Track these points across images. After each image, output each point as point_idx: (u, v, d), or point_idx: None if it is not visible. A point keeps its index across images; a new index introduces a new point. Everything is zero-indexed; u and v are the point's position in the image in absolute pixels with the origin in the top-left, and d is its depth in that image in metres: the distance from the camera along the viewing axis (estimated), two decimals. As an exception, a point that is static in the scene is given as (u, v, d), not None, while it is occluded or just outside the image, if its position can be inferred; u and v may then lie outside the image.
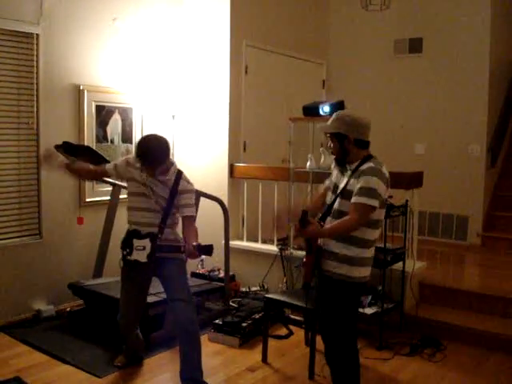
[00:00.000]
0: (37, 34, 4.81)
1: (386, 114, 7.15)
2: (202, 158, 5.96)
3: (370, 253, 3.18)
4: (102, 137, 5.42)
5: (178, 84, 6.02)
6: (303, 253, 4.91)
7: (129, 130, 5.68)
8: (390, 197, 4.66)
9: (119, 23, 5.48)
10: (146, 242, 3.54)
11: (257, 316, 4.63)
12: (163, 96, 5.89)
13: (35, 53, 4.83)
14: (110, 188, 5.16)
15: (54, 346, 4.29)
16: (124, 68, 5.61)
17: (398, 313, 4.66)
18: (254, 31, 6.08)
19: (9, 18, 4.59)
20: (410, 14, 7.03)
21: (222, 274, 5.43)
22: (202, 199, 4.91)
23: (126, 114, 5.64)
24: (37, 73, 4.85)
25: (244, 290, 5.45)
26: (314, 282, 3.30)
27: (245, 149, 6.03)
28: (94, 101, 5.31)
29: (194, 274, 5.59)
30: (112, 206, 5.14)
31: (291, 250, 5.24)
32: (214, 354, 4.27)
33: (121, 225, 5.05)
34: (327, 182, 3.40)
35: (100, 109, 5.38)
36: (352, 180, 3.08)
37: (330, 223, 3.13)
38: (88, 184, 5.28)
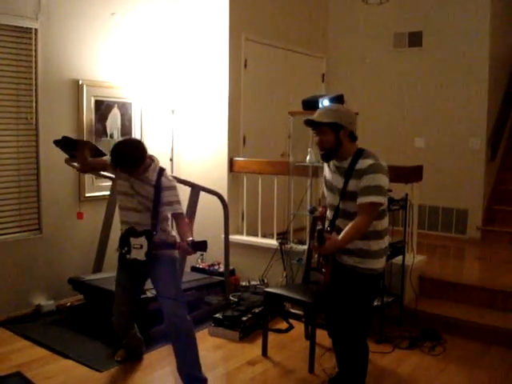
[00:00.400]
0: (35, 29, 4.80)
1: (386, 107, 7.15)
2: (202, 152, 5.96)
3: (384, 243, 3.21)
4: (101, 131, 5.41)
5: (177, 78, 6.01)
6: (303, 247, 4.96)
7: (128, 124, 5.67)
8: (390, 191, 4.67)
9: (118, 18, 5.47)
10: (143, 240, 3.53)
11: (257, 310, 4.64)
12: (162, 90, 5.88)
13: (34, 48, 4.82)
14: (110, 183, 5.16)
15: (54, 340, 4.30)
16: (123, 63, 5.60)
17: (398, 306, 4.66)
18: (253, 25, 6.07)
19: (7, 13, 4.58)
20: (410, 7, 7.01)
21: (221, 269, 5.44)
22: (202, 194, 4.91)
23: (125, 109, 5.63)
24: (35, 68, 4.85)
25: (244, 284, 5.46)
26: (314, 277, 3.32)
27: (244, 143, 6.03)
28: (93, 95, 5.31)
29: (194, 269, 5.60)
30: (112, 200, 5.13)
31: (291, 245, 5.24)
32: (214, 348, 4.29)
33: (121, 219, 5.07)
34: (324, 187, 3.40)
35: (99, 104, 5.37)
36: (352, 181, 3.06)
37: (340, 224, 3.13)
38: (88, 179, 5.29)
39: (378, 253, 3.17)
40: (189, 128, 6.07)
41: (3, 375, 3.66)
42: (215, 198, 5.04)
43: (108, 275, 4.88)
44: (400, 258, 4.65)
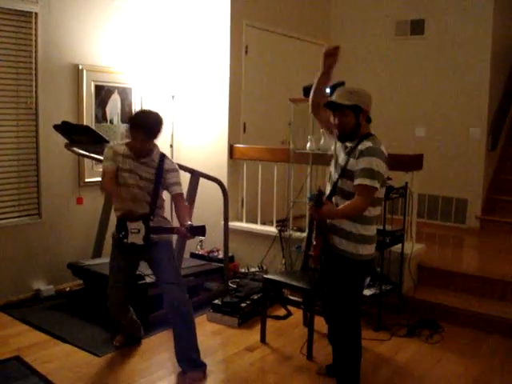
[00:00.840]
0: (35, 13, 4.77)
1: (387, 96, 7.12)
2: (202, 138, 5.95)
3: (373, 230, 3.23)
4: (101, 117, 5.40)
5: (177, 64, 5.99)
6: (302, 234, 4.96)
7: (128, 110, 5.65)
8: (390, 179, 4.67)
9: (119, 2, 5.44)
10: (140, 225, 3.54)
11: (256, 297, 4.65)
12: (163, 76, 5.86)
13: (34, 32, 4.80)
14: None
15: (53, 325, 4.32)
16: (124, 48, 5.57)
17: (396, 294, 4.67)
18: (254, 11, 6.03)
19: (7, -4, 4.56)
20: (412, -6, 6.98)
21: (221, 255, 5.45)
22: (202, 180, 4.90)
23: (125, 94, 5.62)
24: (35, 52, 4.83)
25: (243, 270, 5.47)
26: (312, 263, 3.34)
27: (245, 130, 6.01)
28: (94, 80, 5.29)
29: (194, 255, 5.61)
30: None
31: (290, 232, 5.24)
32: (212, 333, 4.30)
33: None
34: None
35: (99, 88, 5.36)
36: (351, 160, 3.09)
37: (335, 201, 3.16)
38: (87, 164, 5.29)
39: (366, 238, 3.18)
40: (189, 114, 6.05)
41: (2, 359, 3.68)
42: (215, 185, 5.04)
43: (107, 260, 4.85)
44: (399, 246, 4.65)
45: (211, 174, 5.06)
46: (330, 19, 7.46)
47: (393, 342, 4.20)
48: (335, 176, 3.22)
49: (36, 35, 4.80)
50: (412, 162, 4.90)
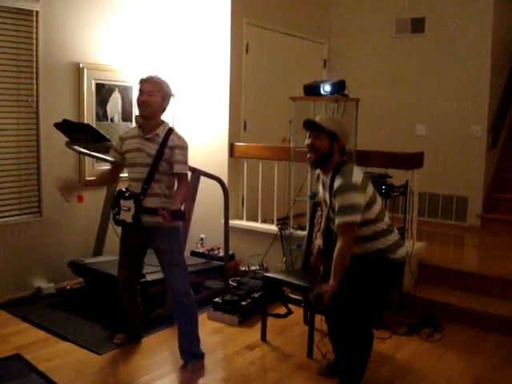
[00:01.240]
0: (36, 11, 4.77)
1: (387, 94, 7.12)
2: (203, 137, 5.94)
3: (394, 237, 3.30)
4: (101, 115, 5.40)
5: (178, 63, 5.99)
6: (303, 232, 4.96)
7: (129, 108, 5.65)
8: (390, 177, 4.68)
9: (120, 1, 5.43)
10: (130, 203, 3.57)
11: (256, 295, 4.65)
12: (163, 75, 5.82)
13: (35, 30, 4.79)
14: (110, 167, 5.15)
15: (54, 323, 4.32)
16: (124, 46, 5.57)
17: (397, 292, 4.67)
18: (254, 10, 6.03)
19: (8, -5, 4.56)
20: (413, -8, 6.97)
21: (221, 253, 5.44)
22: (202, 178, 4.90)
23: (126, 93, 5.62)
24: (36, 50, 4.82)
25: (243, 269, 5.48)
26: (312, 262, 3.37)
27: (245, 128, 6.01)
28: (94, 79, 5.29)
29: (194, 253, 5.61)
30: (112, 185, 5.12)
31: (291, 230, 5.25)
32: (213, 332, 4.30)
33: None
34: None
35: (100, 87, 5.36)
36: (332, 198, 3.17)
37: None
38: (88, 162, 5.29)
39: (391, 247, 3.26)
40: (189, 112, 6.05)
41: (2, 357, 3.68)
42: (215, 183, 5.04)
43: (108, 259, 4.90)
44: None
45: (212, 172, 5.06)
46: (331, 17, 7.45)
47: (393, 340, 4.20)
48: (326, 211, 3.33)
49: (37, 33, 4.80)
50: (412, 160, 4.90)
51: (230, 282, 5.08)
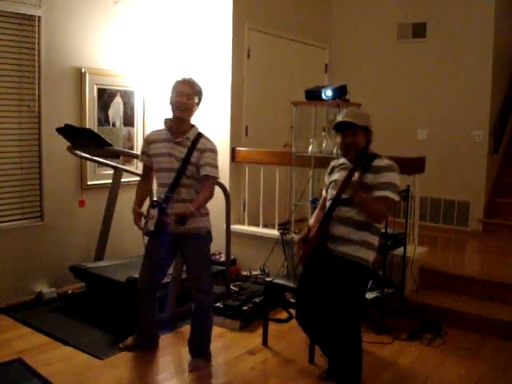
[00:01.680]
0: (38, 17, 4.78)
1: (389, 99, 7.12)
2: (204, 141, 5.94)
3: (377, 240, 3.36)
4: (103, 120, 5.41)
5: (179, 67, 5.99)
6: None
7: (130, 113, 5.67)
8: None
9: (121, 6, 5.45)
10: (155, 212, 3.54)
11: (257, 300, 4.65)
12: (165, 79, 5.87)
13: (37, 35, 4.81)
14: (112, 171, 5.16)
15: (55, 327, 4.31)
16: (126, 51, 5.59)
17: (399, 298, 4.67)
18: (256, 14, 6.04)
19: (10, 0, 4.57)
20: (414, -2, 6.99)
21: (223, 258, 5.44)
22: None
23: (127, 98, 5.63)
24: (38, 55, 4.84)
25: (245, 273, 5.47)
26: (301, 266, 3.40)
27: (247, 133, 6.02)
28: (96, 84, 5.30)
29: (196, 258, 5.60)
30: (114, 188, 5.14)
31: (292, 235, 5.24)
32: (214, 337, 4.27)
33: (122, 208, 5.08)
34: (324, 193, 3.56)
35: (102, 92, 5.37)
36: (370, 175, 3.21)
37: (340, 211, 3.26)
38: (90, 167, 5.29)
39: (373, 246, 3.32)
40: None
41: (4, 362, 3.68)
42: (217, 188, 5.02)
43: (109, 263, 4.90)
44: (401, 249, 4.66)
45: (213, 176, 5.06)
46: (332, 22, 7.46)
47: (395, 345, 4.19)
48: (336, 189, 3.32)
49: (39, 39, 4.81)
50: (414, 165, 4.90)
51: (232, 287, 5.07)
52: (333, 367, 3.54)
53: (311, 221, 3.61)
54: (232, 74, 5.75)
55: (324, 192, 3.59)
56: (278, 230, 5.37)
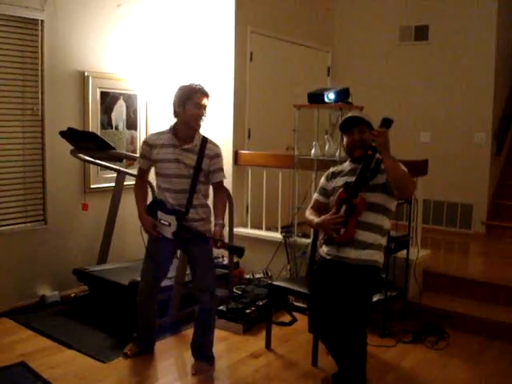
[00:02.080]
0: (41, 20, 4.79)
1: (391, 101, 7.12)
2: (207, 145, 5.94)
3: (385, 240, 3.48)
4: (106, 123, 5.42)
5: (182, 71, 6.00)
6: (307, 240, 4.96)
7: (133, 116, 5.68)
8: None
9: (124, 9, 5.46)
10: (172, 219, 3.53)
11: (260, 303, 4.64)
12: (168, 82, 5.88)
13: (40, 39, 4.82)
14: (115, 174, 5.17)
15: (58, 331, 4.32)
16: (129, 54, 5.60)
17: (402, 300, 4.66)
18: (258, 18, 6.05)
19: (13, 4, 4.58)
20: (416, 0, 6.98)
21: (226, 261, 5.44)
22: (207, 186, 4.91)
23: (130, 101, 5.64)
24: (41, 59, 4.85)
25: (248, 276, 5.46)
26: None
27: (249, 136, 6.02)
28: (99, 87, 5.31)
29: (199, 261, 5.60)
30: (117, 192, 5.14)
31: (295, 238, 5.24)
32: (217, 340, 4.28)
33: (126, 211, 5.10)
34: (318, 196, 3.65)
35: (105, 95, 5.38)
36: (380, 176, 3.32)
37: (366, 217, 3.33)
38: (93, 170, 5.30)
39: (382, 248, 3.40)
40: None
41: (7, 365, 3.68)
42: (220, 191, 5.04)
43: (113, 266, 4.91)
44: (404, 252, 4.64)
45: (216, 180, 5.06)
46: (334, 26, 7.47)
47: (398, 348, 4.18)
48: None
49: (42, 42, 4.83)
50: (417, 168, 4.89)
51: (235, 290, 5.06)
52: (340, 372, 3.50)
53: (315, 218, 3.57)
54: (235, 78, 5.76)
55: (318, 196, 3.61)
56: (281, 232, 5.38)
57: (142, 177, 3.83)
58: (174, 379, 3.70)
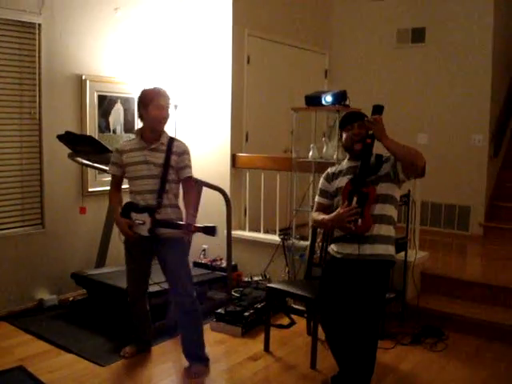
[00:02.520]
0: (39, 24, 4.80)
1: (389, 103, 7.07)
2: (205, 147, 5.95)
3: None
4: (104, 127, 5.42)
5: (180, 74, 6.01)
6: (306, 243, 4.95)
7: (131, 120, 5.67)
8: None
9: (121, 13, 5.47)
10: (146, 217, 3.56)
11: (259, 305, 4.64)
12: (165, 86, 5.84)
13: (37, 43, 4.82)
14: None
15: (56, 335, 4.31)
16: (126, 58, 5.60)
17: (400, 302, 4.66)
18: (256, 20, 6.05)
19: (11, 8, 4.58)
20: (413, 3, 7.00)
21: (224, 264, 5.44)
22: (204, 189, 4.91)
23: (128, 104, 5.64)
24: (39, 63, 4.85)
25: (246, 279, 5.46)
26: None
27: (247, 139, 6.02)
28: (96, 90, 5.31)
29: (197, 264, 5.61)
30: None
31: (293, 240, 5.24)
32: (216, 343, 4.29)
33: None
34: (320, 199, 3.60)
35: (102, 99, 5.38)
36: (385, 165, 3.38)
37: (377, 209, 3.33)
38: (91, 174, 5.30)
39: (393, 240, 3.42)
40: (192, 123, 6.06)
41: (5, 369, 3.68)
42: (218, 194, 5.04)
43: (111, 270, 4.90)
44: (402, 254, 4.64)
45: (214, 182, 5.07)
46: (332, 28, 7.48)
47: (397, 350, 4.19)
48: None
49: (39, 46, 4.83)
50: (414, 170, 4.89)
51: (233, 293, 5.06)
52: (342, 375, 3.48)
53: (325, 216, 3.52)
54: (232, 81, 5.76)
55: (320, 198, 3.60)
56: (279, 235, 5.38)
57: (115, 184, 3.87)
58: (172, 381, 3.70)
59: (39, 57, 4.84)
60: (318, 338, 3.87)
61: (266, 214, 5.64)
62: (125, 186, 3.90)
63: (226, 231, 5.14)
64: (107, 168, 4.71)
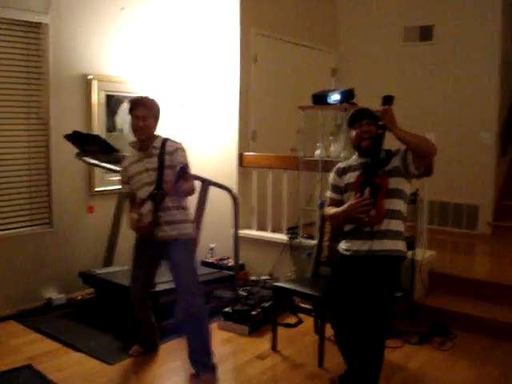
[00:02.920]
0: (46, 24, 4.82)
1: (396, 102, 7.07)
2: (212, 147, 5.96)
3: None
4: (111, 126, 5.43)
5: (187, 73, 6.02)
6: (313, 241, 4.95)
7: (138, 119, 5.67)
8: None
9: (127, 12, 5.48)
10: (148, 204, 3.57)
11: (266, 304, 4.64)
12: (172, 85, 5.89)
13: (44, 43, 4.84)
14: (120, 177, 5.17)
15: (65, 333, 4.33)
16: (133, 57, 5.61)
17: (408, 301, 4.65)
18: (263, 19, 6.05)
19: (18, 8, 4.61)
20: (421, 1, 6.97)
21: (231, 263, 5.45)
22: (212, 188, 4.91)
23: (135, 104, 5.64)
24: (46, 63, 4.87)
25: (253, 278, 5.46)
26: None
27: (254, 138, 6.02)
28: (104, 90, 5.33)
29: (204, 263, 5.61)
30: (122, 194, 5.15)
31: (300, 239, 5.24)
32: (223, 342, 4.30)
33: (131, 214, 5.08)
34: (332, 194, 3.58)
35: (109, 98, 5.39)
36: (393, 158, 3.35)
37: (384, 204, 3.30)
38: (98, 173, 5.31)
39: (404, 235, 3.40)
40: (199, 122, 6.07)
41: (14, 368, 3.69)
42: (225, 193, 5.05)
43: (118, 269, 4.91)
44: (410, 253, 4.63)
45: (221, 182, 5.07)
46: (338, 26, 7.46)
47: (405, 349, 4.18)
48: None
49: (46, 46, 4.85)
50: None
51: (240, 292, 5.06)
52: (350, 373, 3.48)
53: (337, 209, 3.51)
54: (239, 79, 5.76)
55: (332, 194, 3.57)
56: (287, 234, 5.38)
57: (131, 201, 3.86)
58: (181, 381, 3.71)
59: (46, 57, 4.86)
60: (325, 336, 3.86)
61: (274, 213, 5.64)
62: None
63: (233, 230, 5.15)
64: (114, 167, 4.74)
